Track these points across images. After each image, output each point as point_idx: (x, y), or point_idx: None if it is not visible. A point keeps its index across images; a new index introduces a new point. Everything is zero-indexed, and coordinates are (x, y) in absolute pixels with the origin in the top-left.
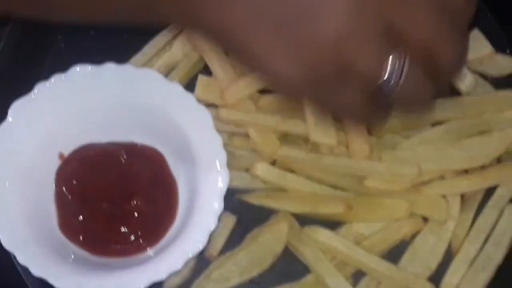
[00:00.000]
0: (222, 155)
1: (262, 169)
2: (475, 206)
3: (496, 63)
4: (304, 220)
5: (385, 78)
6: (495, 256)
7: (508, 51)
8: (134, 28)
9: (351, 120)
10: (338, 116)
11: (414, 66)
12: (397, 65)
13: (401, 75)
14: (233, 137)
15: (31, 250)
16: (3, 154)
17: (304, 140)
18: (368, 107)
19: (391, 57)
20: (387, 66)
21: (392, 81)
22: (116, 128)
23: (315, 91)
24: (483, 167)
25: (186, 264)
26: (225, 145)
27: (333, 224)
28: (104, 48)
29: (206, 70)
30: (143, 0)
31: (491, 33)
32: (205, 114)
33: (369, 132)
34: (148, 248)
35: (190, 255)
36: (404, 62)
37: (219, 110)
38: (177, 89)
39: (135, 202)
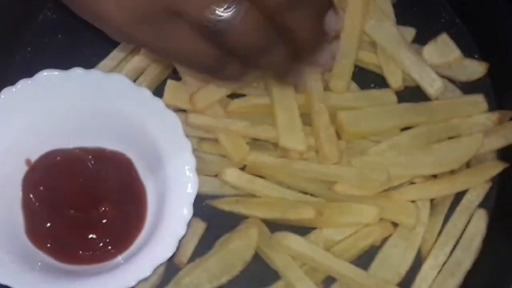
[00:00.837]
0: (191, 161)
1: (231, 174)
2: (444, 211)
3: (465, 67)
4: (274, 226)
5: (218, 18)
6: (464, 261)
7: (476, 56)
8: (102, 31)
9: (185, 64)
10: (173, 59)
11: (254, 12)
12: (233, 9)
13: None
14: (202, 142)
15: None
16: None
17: (273, 145)
18: (203, 47)
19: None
20: (219, 9)
21: (225, 21)
22: (84, 133)
23: (146, 34)
24: (452, 172)
25: (155, 270)
26: (194, 150)
27: (303, 230)
28: (72, 52)
29: (175, 75)
30: None
31: (460, 38)
32: (174, 119)
33: (339, 136)
34: (116, 255)
35: (159, 262)
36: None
37: (188, 115)
38: (146, 94)
39: (103, 208)
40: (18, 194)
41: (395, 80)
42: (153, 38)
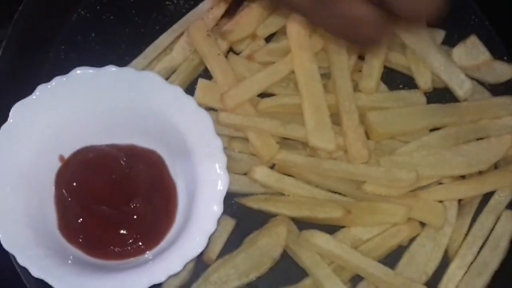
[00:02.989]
0: (222, 159)
1: (261, 172)
2: (472, 212)
3: (494, 69)
4: (302, 224)
5: None
6: (491, 261)
7: (505, 58)
8: (135, 31)
9: (354, 36)
10: (340, 34)
11: None
12: None
13: None
14: (233, 141)
15: (31, 251)
16: (4, 155)
17: (303, 145)
18: (371, 16)
19: None
20: None
21: None
22: (116, 130)
23: (318, 4)
24: (480, 173)
25: (184, 266)
26: (225, 149)
27: (331, 228)
28: (105, 51)
29: (207, 74)
30: None
31: (489, 40)
32: (205, 117)
33: (368, 136)
34: (147, 251)
35: (189, 258)
36: None
37: (218, 114)
38: (178, 92)
39: (134, 205)
40: (51, 189)
41: (424, 81)
42: (322, 8)
